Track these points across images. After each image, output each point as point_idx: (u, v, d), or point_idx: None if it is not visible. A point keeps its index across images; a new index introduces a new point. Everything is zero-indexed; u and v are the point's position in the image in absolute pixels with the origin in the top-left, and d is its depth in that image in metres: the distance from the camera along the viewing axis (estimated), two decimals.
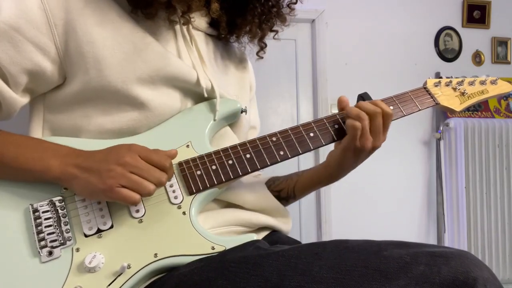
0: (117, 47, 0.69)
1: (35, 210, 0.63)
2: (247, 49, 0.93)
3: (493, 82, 0.89)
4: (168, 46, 0.76)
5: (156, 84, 0.72)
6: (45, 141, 0.69)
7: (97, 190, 0.61)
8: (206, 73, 0.77)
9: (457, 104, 0.87)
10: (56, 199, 0.65)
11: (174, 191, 0.68)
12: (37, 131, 0.74)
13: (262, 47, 0.91)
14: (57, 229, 0.63)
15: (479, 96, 0.88)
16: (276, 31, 0.90)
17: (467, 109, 2.74)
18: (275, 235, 0.84)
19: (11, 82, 0.68)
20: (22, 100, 0.72)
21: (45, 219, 0.63)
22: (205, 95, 0.76)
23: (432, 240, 2.70)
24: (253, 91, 0.98)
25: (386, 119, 0.75)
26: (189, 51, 0.78)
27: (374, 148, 0.75)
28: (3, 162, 0.64)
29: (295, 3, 0.90)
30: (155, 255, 0.62)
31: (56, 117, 0.74)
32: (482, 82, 0.89)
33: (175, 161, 0.70)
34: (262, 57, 0.92)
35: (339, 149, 0.78)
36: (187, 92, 0.76)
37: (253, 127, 0.96)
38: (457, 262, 0.52)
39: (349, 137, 0.74)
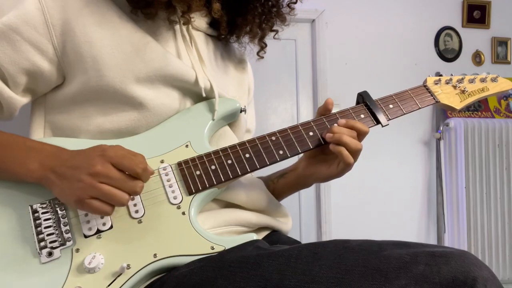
0: (115, 47, 0.69)
1: (35, 211, 0.63)
2: (247, 50, 0.93)
3: (494, 80, 0.89)
4: (168, 46, 0.76)
5: (155, 84, 0.72)
6: (29, 141, 0.68)
7: (70, 200, 0.60)
8: (205, 73, 0.77)
9: (457, 102, 0.86)
10: (55, 199, 0.65)
11: (173, 191, 0.68)
12: (39, 132, 0.74)
13: (263, 47, 0.91)
14: (57, 229, 0.62)
15: (480, 94, 0.88)
16: (276, 31, 0.90)
17: (467, 109, 2.74)
18: (275, 235, 0.84)
19: (10, 82, 0.69)
20: (22, 100, 0.72)
21: (45, 220, 0.63)
22: (204, 95, 0.76)
23: (432, 240, 2.70)
24: (251, 94, 0.98)
25: (363, 137, 0.76)
26: (188, 51, 0.78)
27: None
28: None
29: (295, 2, 0.90)
30: (155, 255, 0.62)
31: (56, 118, 0.74)
32: (483, 80, 0.89)
33: (174, 161, 0.70)
34: (262, 57, 0.92)
35: (325, 174, 0.79)
36: (186, 92, 0.76)
37: (248, 130, 0.96)
38: (457, 262, 0.52)
39: (342, 170, 0.76)
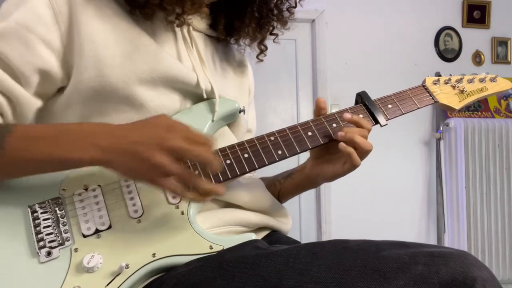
0: (117, 48, 0.69)
1: (34, 211, 0.63)
2: (248, 51, 0.93)
3: (493, 80, 0.89)
4: (168, 47, 0.76)
5: (157, 85, 0.72)
6: (69, 125, 0.66)
7: (139, 175, 0.60)
8: (206, 74, 0.77)
9: (456, 102, 0.86)
10: (54, 199, 0.65)
11: None
12: None
13: (262, 50, 0.91)
14: (56, 229, 0.63)
15: (478, 94, 0.88)
16: (276, 35, 0.90)
17: (467, 109, 2.74)
18: (274, 235, 0.84)
19: (24, 82, 0.67)
20: (37, 102, 0.70)
21: (44, 219, 0.63)
22: (205, 96, 0.76)
23: (432, 240, 2.71)
24: (252, 95, 0.98)
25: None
26: (189, 52, 0.78)
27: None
28: (37, 159, 0.61)
29: (295, 6, 0.89)
30: (153, 255, 0.62)
31: (56, 119, 0.73)
32: (481, 80, 0.89)
33: None
34: (262, 60, 0.92)
35: (331, 173, 0.79)
36: (187, 93, 0.76)
37: (249, 130, 0.96)
38: (456, 262, 0.52)
39: (348, 170, 0.77)
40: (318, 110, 0.79)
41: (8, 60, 0.65)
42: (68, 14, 0.68)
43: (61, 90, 0.72)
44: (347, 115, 0.76)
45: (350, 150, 0.73)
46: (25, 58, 0.65)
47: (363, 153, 0.74)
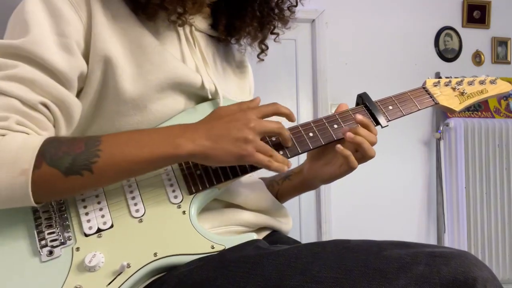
0: (125, 49, 0.69)
1: (36, 210, 0.63)
2: (248, 51, 0.93)
3: (493, 82, 0.90)
4: (172, 47, 0.76)
5: (163, 88, 0.71)
6: (151, 129, 0.69)
7: (235, 156, 0.64)
8: (209, 75, 0.77)
9: (456, 104, 0.87)
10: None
11: (174, 191, 0.68)
12: None
13: (263, 50, 0.91)
14: (58, 228, 0.63)
15: (479, 96, 0.88)
16: (277, 34, 0.90)
17: (467, 109, 2.74)
18: (275, 235, 0.84)
19: (70, 88, 0.66)
20: (81, 104, 0.69)
21: (45, 219, 0.63)
22: (209, 97, 0.76)
23: (432, 240, 2.71)
24: (252, 95, 0.99)
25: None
26: (192, 53, 0.78)
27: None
28: (137, 161, 0.62)
29: (296, 5, 0.89)
30: (155, 254, 0.62)
31: None
32: (482, 82, 0.90)
33: None
34: (262, 60, 0.92)
35: (328, 175, 0.80)
36: (191, 95, 0.77)
37: None
38: (457, 262, 0.52)
39: (345, 172, 0.77)
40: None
41: (54, 68, 0.63)
42: (87, 13, 0.68)
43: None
44: (359, 116, 0.76)
45: (347, 153, 0.73)
46: (69, 63, 0.65)
47: (365, 158, 0.75)
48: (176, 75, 0.71)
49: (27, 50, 0.62)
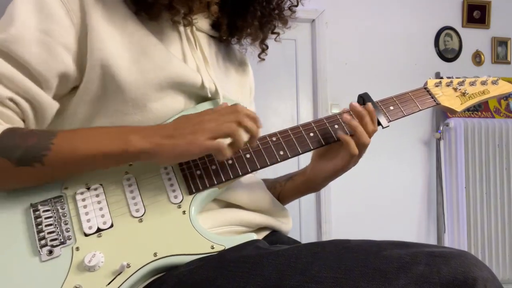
0: (125, 49, 0.69)
1: (36, 209, 0.63)
2: (249, 51, 0.93)
3: (494, 83, 0.89)
4: (173, 48, 0.76)
5: (163, 87, 0.71)
6: (109, 127, 0.69)
7: (190, 147, 0.63)
8: (210, 75, 0.78)
9: (457, 105, 0.87)
10: (56, 198, 0.65)
11: (174, 191, 0.68)
12: None
13: (264, 49, 0.91)
14: (57, 228, 0.63)
15: (480, 97, 0.88)
16: (278, 33, 0.90)
17: (467, 109, 2.74)
18: (275, 235, 0.84)
19: (45, 87, 0.67)
20: (56, 104, 0.70)
21: (46, 218, 0.63)
22: (209, 96, 0.76)
23: (432, 240, 2.71)
24: (252, 95, 0.99)
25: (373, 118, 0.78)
26: (193, 53, 0.78)
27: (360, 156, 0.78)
28: (86, 154, 0.63)
29: (296, 5, 0.90)
30: (155, 254, 0.62)
31: (57, 121, 0.73)
32: (483, 83, 0.89)
33: None
34: (263, 59, 0.92)
35: (331, 170, 0.80)
36: (191, 95, 0.77)
37: None
38: (457, 262, 0.52)
39: (347, 161, 0.77)
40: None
41: (30, 66, 0.64)
42: (80, 13, 0.68)
43: (73, 89, 0.72)
44: (347, 117, 0.77)
45: (348, 138, 0.75)
46: (48, 63, 0.65)
47: (359, 144, 0.75)
48: (176, 74, 0.72)
49: (5, 45, 0.63)
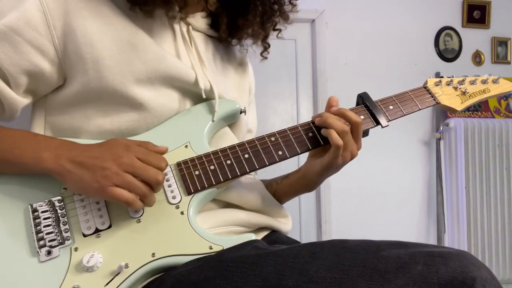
0: (115, 48, 0.69)
1: (34, 210, 0.63)
2: (250, 51, 0.93)
3: (495, 81, 0.89)
4: (166, 45, 0.76)
5: (155, 84, 0.72)
6: (38, 135, 0.69)
7: (90, 188, 0.60)
8: (205, 74, 0.77)
9: (458, 104, 0.86)
10: (55, 199, 0.65)
11: (172, 191, 0.68)
12: (39, 133, 0.74)
13: (266, 47, 0.90)
14: (56, 228, 0.63)
15: (481, 96, 0.88)
16: (280, 30, 0.90)
17: (467, 109, 2.74)
18: (274, 235, 0.84)
19: (12, 83, 0.69)
20: (24, 100, 0.72)
21: (44, 218, 0.63)
22: (204, 95, 0.76)
23: (432, 240, 2.70)
24: (252, 95, 0.98)
25: (356, 128, 0.74)
26: (188, 51, 0.78)
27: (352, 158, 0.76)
28: (1, 160, 0.64)
29: None
30: (153, 254, 0.62)
31: (57, 119, 0.74)
32: (484, 81, 0.89)
33: (173, 161, 0.70)
34: (266, 58, 0.92)
35: (319, 166, 0.78)
36: (186, 92, 0.76)
37: (249, 130, 0.95)
38: (456, 262, 0.52)
39: (332, 155, 0.74)
40: (328, 107, 0.78)
41: None
42: (62, 18, 0.69)
43: (62, 88, 0.73)
44: (334, 109, 0.76)
45: (329, 131, 0.72)
46: (12, 60, 0.67)
47: (340, 134, 0.73)
48: (168, 68, 0.72)
49: None
